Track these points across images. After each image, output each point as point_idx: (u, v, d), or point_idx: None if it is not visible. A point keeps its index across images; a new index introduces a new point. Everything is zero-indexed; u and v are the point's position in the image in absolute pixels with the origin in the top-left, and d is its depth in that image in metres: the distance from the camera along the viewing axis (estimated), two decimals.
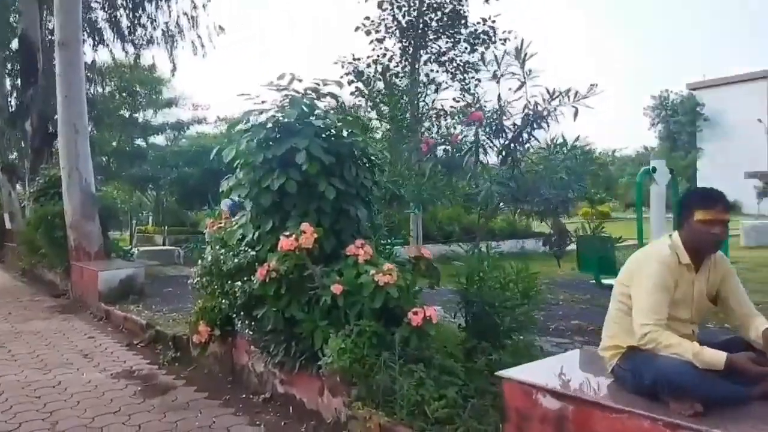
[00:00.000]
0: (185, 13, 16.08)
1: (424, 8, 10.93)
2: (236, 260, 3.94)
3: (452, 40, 10.93)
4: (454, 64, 10.93)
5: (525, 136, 3.77)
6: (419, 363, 3.40)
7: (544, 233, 16.18)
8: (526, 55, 3.46)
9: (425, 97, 10.12)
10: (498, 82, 3.72)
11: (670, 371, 2.07)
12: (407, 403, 3.15)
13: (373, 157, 4.27)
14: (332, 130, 4.08)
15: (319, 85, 4.12)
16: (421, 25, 10.92)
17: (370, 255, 3.65)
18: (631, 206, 38.91)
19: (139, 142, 20.83)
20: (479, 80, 10.46)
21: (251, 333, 4.17)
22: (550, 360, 3.10)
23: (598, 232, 3.79)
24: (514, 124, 3.78)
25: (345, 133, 4.10)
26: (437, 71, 10.67)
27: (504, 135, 3.81)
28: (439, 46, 10.96)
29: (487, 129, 3.82)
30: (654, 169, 4.84)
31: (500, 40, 10.96)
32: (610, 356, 2.43)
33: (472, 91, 10.54)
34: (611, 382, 2.46)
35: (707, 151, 44.39)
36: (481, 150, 3.92)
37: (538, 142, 3.80)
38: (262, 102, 4.11)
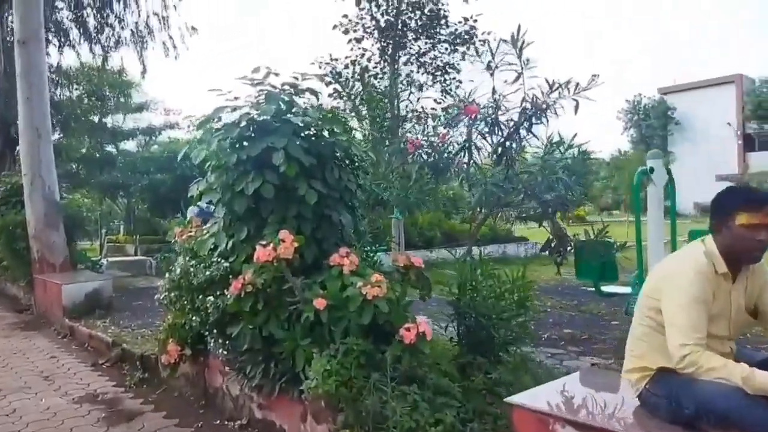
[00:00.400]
0: (155, 14, 15.57)
1: (403, 8, 10.67)
2: (208, 273, 3.58)
3: (432, 40, 10.68)
4: (434, 65, 10.68)
5: (523, 132, 3.48)
6: (412, 384, 3.08)
7: (525, 238, 16.14)
8: (523, 42, 3.16)
9: (409, 96, 9.85)
10: (492, 74, 3.43)
11: (716, 398, 1.79)
12: (401, 430, 2.82)
13: (356, 158, 3.95)
14: (312, 129, 3.74)
15: (297, 79, 3.79)
16: (399, 25, 10.65)
17: (356, 265, 3.32)
18: (605, 210, 39.31)
19: (110, 148, 20.13)
20: (460, 81, 10.24)
21: (225, 353, 3.79)
22: (561, 382, 2.79)
23: (602, 237, 3.51)
24: (511, 120, 3.49)
25: (326, 132, 3.77)
26: (417, 72, 10.42)
27: (500, 131, 3.52)
28: (419, 46, 10.70)
29: (482, 125, 3.52)
30: (651, 170, 4.60)
31: (480, 41, 10.76)
32: (637, 379, 2.13)
33: (452, 92, 10.31)
34: (638, 408, 2.16)
35: (678, 154, 45.08)
36: (473, 149, 3.63)
37: (537, 138, 3.53)
38: (235, 98, 3.76)
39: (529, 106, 3.37)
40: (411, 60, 10.65)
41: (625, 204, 32.96)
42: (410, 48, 10.78)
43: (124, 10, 15.39)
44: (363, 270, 3.36)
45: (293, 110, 3.74)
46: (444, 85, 10.51)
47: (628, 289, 4.27)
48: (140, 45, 15.76)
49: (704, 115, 42.65)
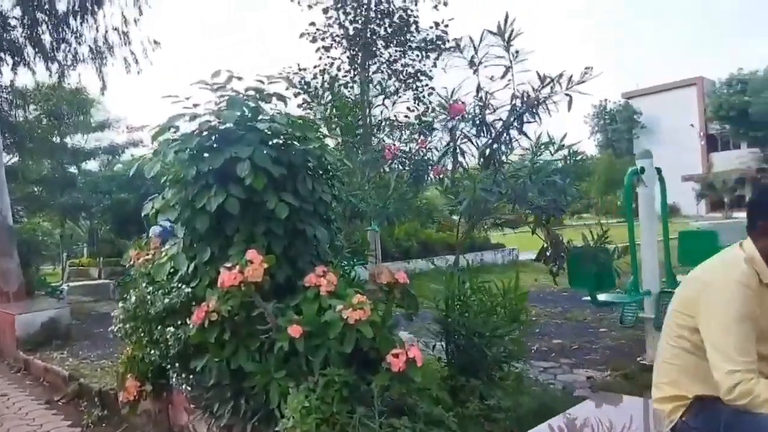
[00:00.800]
0: (115, 29, 14.98)
1: (372, 15, 10.41)
2: (167, 300, 3.19)
3: (403, 47, 10.42)
4: (406, 72, 10.41)
5: (514, 132, 3.20)
6: (402, 416, 2.75)
7: (501, 245, 15.96)
8: (512, 32, 2.88)
9: (383, 102, 9.55)
10: (476, 70, 3.15)
11: None
12: None
13: (330, 167, 3.62)
14: (281, 137, 3.40)
15: (263, 83, 3.45)
16: (369, 33, 10.37)
17: (334, 285, 2.98)
18: (576, 214, 39.67)
19: (72, 168, 19.39)
20: (433, 88, 10.00)
21: (189, 389, 3.39)
22: (574, 412, 2.48)
23: (602, 243, 3.25)
24: (500, 119, 3.21)
25: (297, 141, 3.43)
26: (389, 80, 10.12)
27: (489, 132, 3.24)
28: (389, 53, 10.42)
29: (469, 125, 3.23)
30: (642, 170, 4.38)
31: (451, 47, 10.55)
32: (671, 410, 1.81)
33: (425, 99, 10.05)
34: None
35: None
36: (459, 152, 3.33)
37: (529, 138, 3.25)
38: (194, 105, 3.40)
39: (519, 103, 3.09)
40: (382, 68, 10.37)
41: (597, 207, 33.25)
42: (380, 56, 10.52)
43: (81, 26, 14.79)
44: (342, 290, 3.02)
45: (259, 117, 3.40)
46: (417, 92, 10.25)
47: (624, 297, 4.04)
48: (99, 61, 15.14)
49: (668, 117, 43.61)
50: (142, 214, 3.39)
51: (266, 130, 3.30)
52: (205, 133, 3.24)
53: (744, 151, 40.24)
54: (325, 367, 2.75)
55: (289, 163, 3.28)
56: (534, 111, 3.07)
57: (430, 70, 10.32)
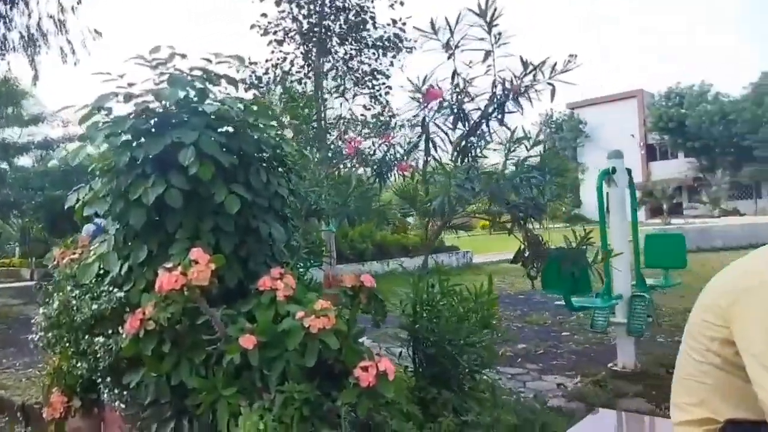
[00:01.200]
0: (50, 16, 14.02)
1: (326, 11, 10.07)
2: (95, 306, 2.75)
3: (358, 45, 10.13)
4: (362, 70, 10.12)
5: (494, 123, 2.94)
6: None
7: (456, 247, 15.85)
8: (494, 12, 2.61)
9: (343, 94, 9.21)
10: (452, 54, 2.86)
11: None
12: None
13: (288, 159, 3.26)
14: (231, 124, 3.02)
15: (210, 61, 3.05)
16: (323, 30, 10.03)
17: (293, 288, 2.62)
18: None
19: (2, 164, 18.08)
20: (390, 87, 9.76)
21: (123, 406, 2.95)
22: None
23: (585, 244, 3.03)
24: (478, 109, 2.94)
25: (250, 128, 3.05)
26: (344, 78, 9.80)
27: (466, 122, 2.96)
28: (345, 50, 10.10)
29: (444, 114, 2.94)
30: (614, 170, 4.24)
31: (407, 48, 10.35)
32: None
33: (382, 98, 9.80)
34: None
35: (588, 164, 47.37)
36: (431, 144, 3.04)
37: (509, 129, 3.00)
38: (129, 85, 2.96)
39: (501, 90, 2.82)
40: (337, 65, 10.04)
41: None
42: (335, 53, 10.19)
43: (11, 11, 13.75)
44: (302, 294, 2.67)
45: (207, 101, 3.00)
46: (373, 91, 9.98)
47: (597, 301, 3.88)
48: (32, 49, 14.14)
49: (610, 127, 45.08)
50: (65, 207, 2.93)
51: (214, 115, 2.91)
52: (142, 116, 2.83)
53: (681, 160, 42.16)
54: (283, 383, 2.39)
55: (240, 152, 2.91)
56: (516, 100, 2.81)
57: (387, 69, 10.10)
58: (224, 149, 2.79)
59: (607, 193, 4.25)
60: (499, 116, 2.92)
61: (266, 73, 10.01)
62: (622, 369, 4.32)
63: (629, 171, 4.37)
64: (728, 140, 38.04)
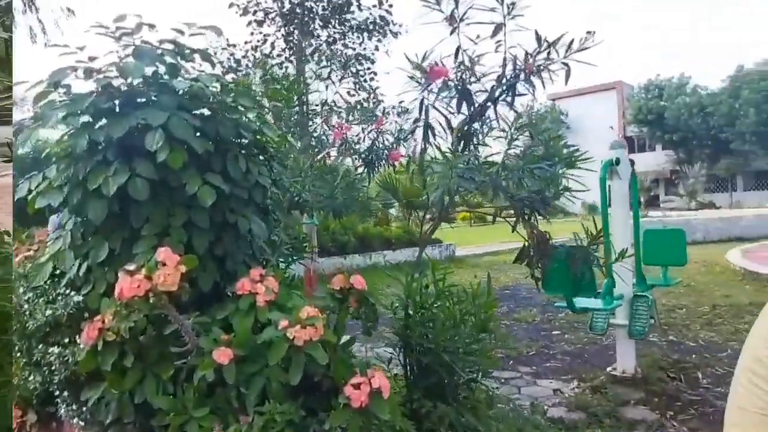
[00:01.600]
0: None
1: None
2: (49, 312, 2.42)
3: (342, 28, 9.74)
4: (345, 55, 9.76)
5: (502, 107, 2.65)
6: None
7: (438, 240, 15.63)
8: None
9: (328, 76, 8.85)
10: (455, 29, 2.56)
11: None
12: None
13: (270, 145, 2.95)
14: (207, 105, 2.69)
15: (183, 33, 2.71)
16: (305, 11, 9.62)
17: (275, 292, 2.32)
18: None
19: None
20: (375, 73, 9.41)
21: (83, 424, 2.63)
22: None
23: (595, 244, 2.78)
24: (485, 90, 2.65)
25: (228, 112, 2.72)
26: (329, 61, 9.42)
27: (471, 105, 2.67)
28: (328, 33, 9.72)
29: (449, 96, 2.64)
30: (618, 161, 4.00)
31: (392, 33, 10.01)
32: None
33: (366, 84, 9.45)
34: None
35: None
36: (430, 130, 2.75)
37: (517, 113, 2.71)
38: (91, 59, 2.61)
39: (512, 69, 2.53)
40: (320, 48, 9.65)
41: None
42: (318, 37, 9.80)
43: None
44: (285, 298, 2.37)
45: (178, 78, 2.66)
46: (357, 76, 9.63)
47: (600, 303, 3.64)
48: None
49: (591, 119, 45.29)
50: (15, 198, 2.57)
51: (187, 94, 2.58)
52: (102, 93, 2.48)
53: (659, 153, 42.51)
54: (263, 402, 2.09)
55: (217, 137, 2.59)
56: (529, 80, 2.53)
57: (372, 54, 9.74)
58: (198, 133, 2.48)
59: (609, 185, 4.01)
60: (509, 98, 2.63)
61: (245, 56, 9.59)
62: (622, 374, 4.09)
63: (632, 162, 4.14)
64: (706, 133, 38.43)
